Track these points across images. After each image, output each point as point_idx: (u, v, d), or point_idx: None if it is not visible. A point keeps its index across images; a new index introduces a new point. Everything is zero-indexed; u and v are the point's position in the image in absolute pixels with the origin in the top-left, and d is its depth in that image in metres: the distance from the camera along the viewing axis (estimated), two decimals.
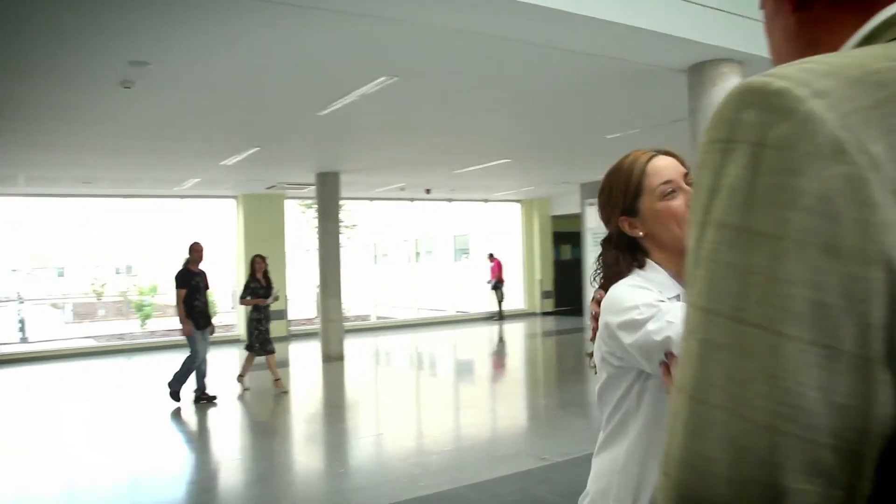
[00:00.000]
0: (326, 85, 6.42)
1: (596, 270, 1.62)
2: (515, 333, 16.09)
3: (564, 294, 18.70)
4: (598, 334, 1.51)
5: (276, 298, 9.09)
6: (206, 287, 8.52)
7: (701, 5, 4.99)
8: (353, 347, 13.30)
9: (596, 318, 1.53)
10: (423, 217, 21.24)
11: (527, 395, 9.51)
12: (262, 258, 9.00)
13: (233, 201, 15.35)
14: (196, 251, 8.45)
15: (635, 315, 1.36)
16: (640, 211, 1.50)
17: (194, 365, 8.34)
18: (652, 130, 8.75)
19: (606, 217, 1.58)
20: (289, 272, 15.20)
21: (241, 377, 9.10)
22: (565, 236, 18.96)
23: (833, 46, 0.63)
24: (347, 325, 14.25)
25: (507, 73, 6.20)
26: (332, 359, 11.91)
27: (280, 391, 9.03)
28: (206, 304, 8.50)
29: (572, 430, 6.77)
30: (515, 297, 19.17)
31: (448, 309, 19.35)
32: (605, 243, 1.61)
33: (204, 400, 8.43)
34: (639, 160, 1.52)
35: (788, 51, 0.69)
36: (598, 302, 1.54)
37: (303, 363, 12.59)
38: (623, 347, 1.39)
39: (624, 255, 1.52)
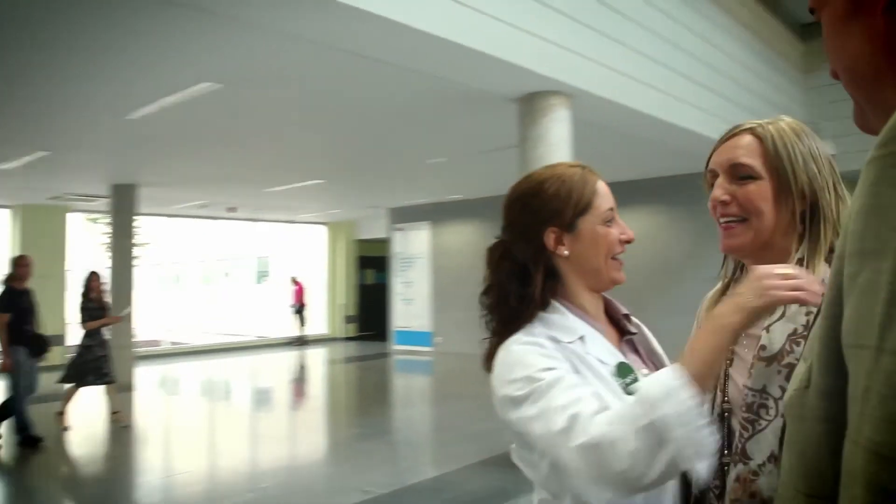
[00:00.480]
0: (140, 85, 5.86)
1: (487, 298, 1.38)
2: (319, 359, 15.69)
3: (368, 319, 18.61)
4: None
5: (122, 318, 8.13)
6: (32, 308, 7.15)
7: (539, 37, 5.16)
8: (144, 376, 12.22)
9: None
10: (224, 237, 20.23)
11: (337, 424, 9.24)
12: (98, 275, 7.92)
13: (6, 212, 13.63)
14: (21, 265, 7.11)
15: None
16: (578, 229, 1.34)
17: (24, 401, 7.00)
18: (476, 157, 8.96)
19: (525, 223, 1.36)
20: (69, 293, 13.71)
21: (60, 414, 7.81)
22: (370, 261, 18.93)
23: None
24: (138, 351, 13.08)
25: (334, 87, 6.03)
26: (121, 389, 10.82)
27: (121, 425, 8.01)
28: (37, 327, 7.14)
29: (390, 461, 6.64)
30: (318, 322, 18.77)
31: (248, 334, 18.51)
32: (496, 253, 1.39)
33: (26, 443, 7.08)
34: (589, 176, 1.38)
35: (875, 57, 0.63)
36: None
37: (87, 394, 11.30)
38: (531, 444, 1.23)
39: (543, 283, 1.33)
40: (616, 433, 1.05)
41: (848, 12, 0.67)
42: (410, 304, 15.53)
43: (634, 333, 1.44)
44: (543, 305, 1.32)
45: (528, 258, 1.33)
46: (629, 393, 1.22)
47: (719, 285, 1.54)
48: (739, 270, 1.44)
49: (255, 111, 6.87)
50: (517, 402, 1.19)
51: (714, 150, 1.36)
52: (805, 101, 10.42)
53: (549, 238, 1.34)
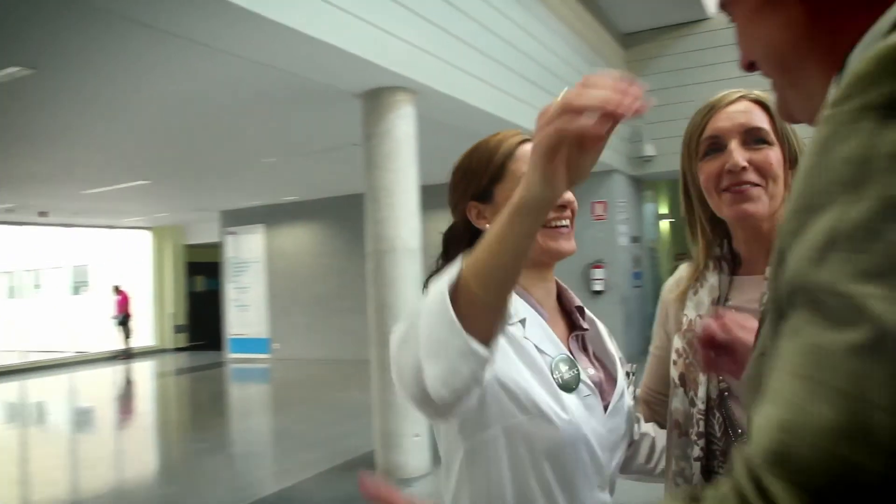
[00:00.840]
0: None
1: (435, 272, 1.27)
2: (147, 373, 14.67)
3: (199, 328, 17.69)
4: None
5: None
6: None
7: (384, 31, 5.05)
8: None
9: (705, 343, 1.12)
10: (34, 244, 18.45)
11: (169, 441, 8.61)
12: None
13: None
14: None
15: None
16: (494, 198, 1.23)
17: None
18: (313, 156, 8.69)
19: (454, 202, 1.31)
20: None
21: None
22: (201, 267, 18.00)
23: (854, 36, 0.59)
24: None
25: (161, 73, 5.57)
26: None
27: None
28: None
29: (231, 476, 6.32)
30: (145, 333, 17.58)
31: (65, 349, 16.98)
32: (448, 236, 1.33)
33: None
34: (508, 140, 1.25)
35: (798, 43, 0.67)
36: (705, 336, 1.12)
37: None
38: None
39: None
40: (394, 351, 0.95)
41: (764, 2, 0.70)
42: (245, 310, 14.93)
43: (586, 329, 1.31)
44: None
45: (458, 235, 1.26)
46: (564, 389, 1.11)
47: (684, 270, 1.49)
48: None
49: (72, 101, 6.23)
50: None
51: (708, 118, 1.29)
52: None
53: (471, 212, 1.25)
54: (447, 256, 1.29)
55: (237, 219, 15.07)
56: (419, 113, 5.76)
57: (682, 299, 1.45)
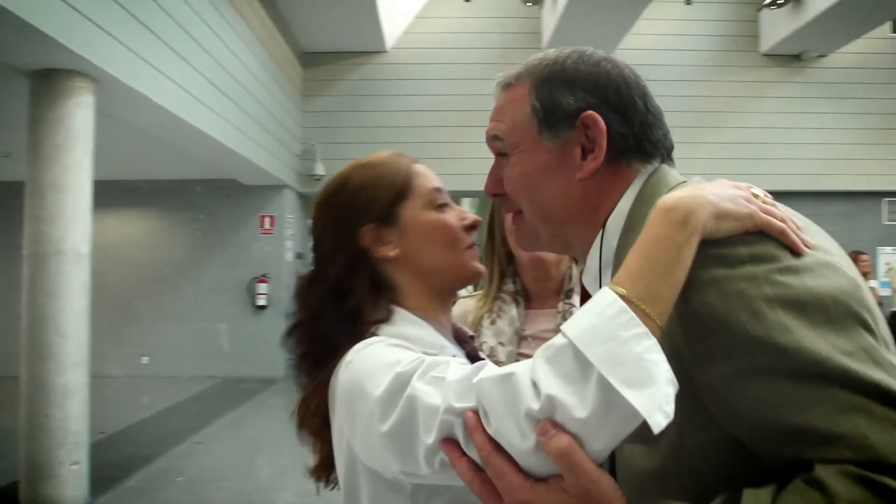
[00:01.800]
0: None
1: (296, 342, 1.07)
2: None
3: None
4: (339, 452, 1.00)
5: None
6: None
7: (68, 4, 4.46)
8: None
9: None
10: None
11: None
12: None
13: None
14: None
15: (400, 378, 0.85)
16: (399, 219, 1.07)
17: None
18: None
19: (333, 232, 1.09)
20: None
21: None
22: None
23: (610, 204, 0.88)
24: None
25: None
26: None
27: None
28: None
29: None
30: None
31: None
32: (312, 285, 1.09)
33: None
34: (403, 156, 1.13)
35: (569, 207, 0.90)
36: None
37: None
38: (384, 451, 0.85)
39: (369, 295, 1.04)
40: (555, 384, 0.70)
41: (550, 169, 0.90)
42: None
43: (483, 360, 1.13)
44: (380, 316, 1.03)
45: (343, 271, 1.05)
46: None
47: (467, 304, 1.62)
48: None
49: None
50: (392, 392, 0.84)
51: None
52: (303, 122, 11.21)
53: (366, 237, 1.06)
54: (305, 301, 1.09)
55: None
56: (98, 105, 5.19)
57: (475, 329, 1.61)
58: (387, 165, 1.11)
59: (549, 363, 0.68)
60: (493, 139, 0.95)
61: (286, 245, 10.95)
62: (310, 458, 1.13)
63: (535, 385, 0.68)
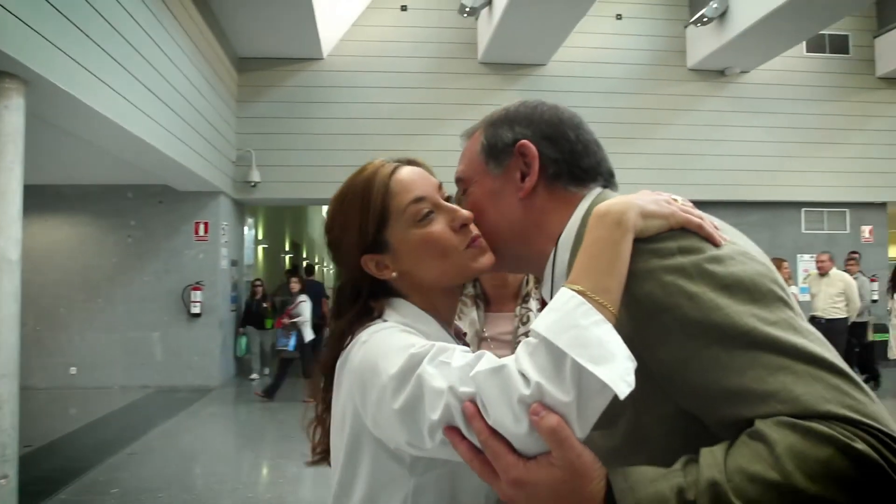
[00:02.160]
0: None
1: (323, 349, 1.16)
2: None
3: None
4: (343, 422, 1.06)
5: None
6: None
7: None
8: None
9: None
10: None
11: None
12: None
13: None
14: None
15: (412, 358, 0.94)
16: (388, 245, 1.11)
17: None
18: None
19: (340, 258, 1.16)
20: None
21: None
22: None
23: (556, 226, 1.02)
24: None
25: None
26: None
27: None
28: None
29: None
30: None
31: None
32: (340, 300, 1.17)
33: None
34: (379, 173, 1.12)
35: (514, 225, 1.06)
36: None
37: None
38: (396, 425, 0.94)
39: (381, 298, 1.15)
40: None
41: (496, 192, 1.08)
42: None
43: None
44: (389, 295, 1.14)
45: (360, 283, 1.14)
46: None
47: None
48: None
49: None
50: (405, 371, 0.92)
51: None
52: (239, 129, 11.09)
53: (369, 265, 1.12)
54: (341, 312, 1.16)
55: None
56: (29, 107, 5.06)
57: None
58: (362, 189, 1.12)
59: (530, 356, 0.81)
60: (458, 181, 1.14)
61: (221, 252, 10.78)
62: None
63: (523, 375, 0.80)
